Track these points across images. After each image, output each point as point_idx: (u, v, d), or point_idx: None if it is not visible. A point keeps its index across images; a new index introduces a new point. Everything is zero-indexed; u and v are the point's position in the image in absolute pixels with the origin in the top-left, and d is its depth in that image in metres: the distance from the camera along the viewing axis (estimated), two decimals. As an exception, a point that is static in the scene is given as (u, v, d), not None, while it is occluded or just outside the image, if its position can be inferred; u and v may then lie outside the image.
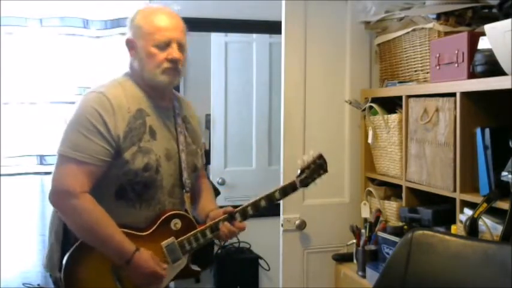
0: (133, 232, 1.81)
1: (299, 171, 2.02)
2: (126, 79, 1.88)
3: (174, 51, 1.81)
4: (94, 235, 1.75)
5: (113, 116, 1.75)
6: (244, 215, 1.94)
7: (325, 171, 2.06)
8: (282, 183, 2.60)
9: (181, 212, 1.90)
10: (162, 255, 1.84)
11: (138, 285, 1.81)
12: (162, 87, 1.86)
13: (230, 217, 1.92)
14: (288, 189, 2.01)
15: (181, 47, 1.84)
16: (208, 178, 2.27)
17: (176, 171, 1.90)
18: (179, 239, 1.87)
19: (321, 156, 2.05)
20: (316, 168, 2.04)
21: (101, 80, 2.87)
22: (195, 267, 1.95)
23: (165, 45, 1.81)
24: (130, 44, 1.85)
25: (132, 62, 1.88)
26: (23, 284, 2.83)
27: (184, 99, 2.10)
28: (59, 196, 1.76)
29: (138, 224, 1.83)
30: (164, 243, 1.85)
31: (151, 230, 1.84)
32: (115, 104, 1.77)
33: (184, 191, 1.92)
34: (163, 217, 1.85)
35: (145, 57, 1.81)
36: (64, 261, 1.80)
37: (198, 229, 1.90)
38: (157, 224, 1.84)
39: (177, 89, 3.08)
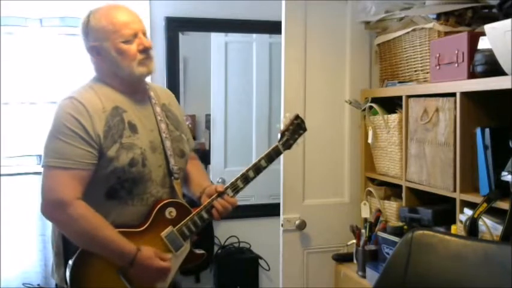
0: (130, 230, 1.81)
1: (279, 136, 2.08)
2: (95, 82, 1.88)
3: (143, 41, 1.82)
4: (93, 241, 1.75)
5: (89, 118, 1.75)
6: (236, 189, 1.96)
7: (304, 130, 2.12)
8: (282, 183, 2.63)
9: (173, 200, 1.89)
10: (163, 246, 1.85)
11: (146, 283, 1.81)
12: (142, 78, 1.87)
13: (222, 194, 1.94)
14: (272, 155, 2.04)
15: (145, 35, 1.85)
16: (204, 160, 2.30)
17: (164, 161, 1.89)
18: (177, 227, 1.88)
19: (297, 117, 2.11)
20: (295, 128, 2.09)
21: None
22: (200, 251, 1.96)
23: (132, 38, 1.81)
24: (95, 50, 1.83)
25: (100, 65, 1.87)
26: (23, 284, 2.84)
27: (161, 88, 2.10)
28: (52, 207, 1.76)
29: (133, 221, 1.83)
30: (163, 233, 1.85)
31: (147, 224, 1.83)
32: (89, 106, 1.77)
33: (173, 178, 1.91)
34: (156, 208, 1.85)
35: (117, 56, 1.81)
36: (68, 270, 1.80)
37: (194, 212, 1.91)
38: (152, 216, 1.84)
39: (178, 89, 3.09)
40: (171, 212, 1.87)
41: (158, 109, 1.92)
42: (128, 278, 1.79)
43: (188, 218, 1.89)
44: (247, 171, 1.98)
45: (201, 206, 1.93)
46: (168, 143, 1.90)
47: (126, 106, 1.84)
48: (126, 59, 1.80)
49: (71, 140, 1.73)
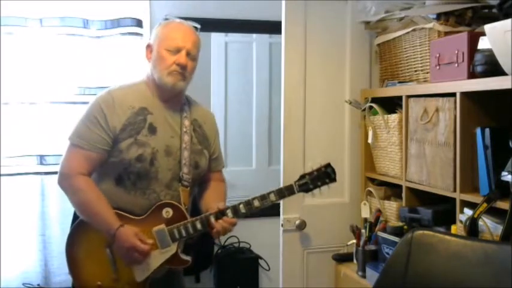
0: (128, 215, 1.98)
1: (299, 177, 2.06)
2: (139, 82, 2.11)
3: (181, 57, 1.99)
4: (86, 211, 1.98)
5: (113, 110, 1.98)
6: (236, 213, 2.01)
7: (332, 180, 2.08)
8: (282, 183, 2.63)
9: (173, 202, 2.01)
10: (152, 240, 1.97)
11: (122, 258, 1.95)
12: (168, 87, 2.02)
13: (221, 213, 1.99)
14: (284, 192, 2.05)
15: (190, 56, 2.02)
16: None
17: (176, 167, 2.03)
18: (169, 227, 1.98)
19: (328, 165, 2.08)
20: (321, 175, 2.06)
21: (101, 80, 2.90)
22: (185, 257, 2.03)
23: (175, 51, 2.00)
24: (148, 47, 2.08)
25: (148, 66, 2.08)
26: (23, 284, 2.84)
27: (200, 107, 2.22)
28: (60, 177, 2.01)
29: (134, 210, 1.99)
30: (155, 228, 1.98)
31: (144, 216, 1.99)
32: (117, 101, 2.00)
33: (180, 184, 2.03)
34: (156, 205, 1.99)
35: (157, 59, 2.02)
36: (67, 236, 2.04)
37: (189, 220, 2.00)
38: (150, 211, 1.99)
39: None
40: (167, 212, 2.00)
41: (187, 122, 2.09)
42: (113, 255, 1.96)
43: (182, 222, 1.99)
44: (253, 199, 2.01)
45: (197, 217, 2.01)
46: (185, 153, 2.04)
47: (154, 110, 2.03)
48: (161, 65, 2.00)
49: (92, 126, 1.98)
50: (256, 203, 2.01)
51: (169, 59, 1.99)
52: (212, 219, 1.98)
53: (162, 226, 1.98)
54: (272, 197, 2.02)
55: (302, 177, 2.06)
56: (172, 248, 1.98)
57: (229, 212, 1.99)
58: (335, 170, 2.08)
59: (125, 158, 1.96)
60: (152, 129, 2.00)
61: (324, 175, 2.07)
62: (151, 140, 1.99)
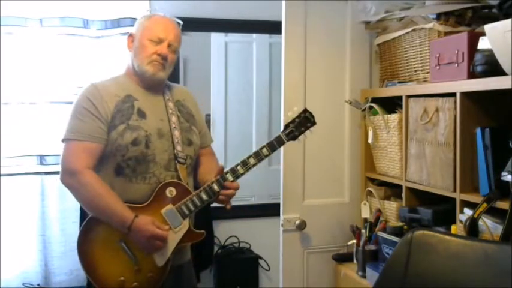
0: (133, 205, 1.97)
1: (283, 127, 2.13)
2: (119, 75, 2.14)
3: (163, 48, 2.04)
4: (97, 207, 1.96)
5: (101, 99, 2.00)
6: (235, 174, 2.05)
7: (313, 123, 2.17)
8: (282, 183, 2.63)
9: (174, 180, 2.03)
10: (163, 222, 1.98)
11: (143, 249, 1.96)
12: (147, 75, 2.05)
13: (222, 178, 2.03)
14: (274, 144, 2.10)
15: (171, 48, 2.06)
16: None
17: (171, 147, 2.06)
18: (176, 205, 2.00)
19: (306, 110, 2.17)
20: (303, 121, 2.15)
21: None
22: (199, 230, 2.05)
23: (157, 42, 2.04)
24: (130, 37, 2.11)
25: (129, 58, 2.10)
26: (23, 284, 2.84)
27: (179, 87, 2.29)
28: (65, 175, 1.99)
29: (137, 199, 1.99)
30: (163, 210, 1.99)
31: (149, 201, 1.99)
32: (102, 91, 2.02)
33: (177, 161, 2.05)
34: (158, 187, 2.00)
35: (139, 47, 2.05)
36: (77, 237, 2.01)
37: (193, 193, 2.03)
38: (154, 194, 2.00)
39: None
40: (171, 191, 2.01)
41: (171, 104, 2.12)
42: (129, 247, 1.96)
43: (188, 197, 2.01)
44: (248, 157, 2.06)
45: (201, 188, 2.04)
46: (176, 132, 2.07)
47: (138, 96, 2.06)
48: (142, 53, 2.04)
49: (84, 117, 1.98)
50: (252, 161, 2.06)
51: (151, 49, 2.02)
52: (215, 186, 2.02)
53: (170, 206, 1.99)
54: (265, 151, 2.07)
55: (286, 127, 2.13)
56: (185, 225, 2.00)
57: (229, 176, 2.03)
58: (312, 113, 2.16)
59: (121, 144, 1.96)
60: (141, 114, 2.02)
61: (305, 120, 2.15)
62: (142, 124, 2.01)
